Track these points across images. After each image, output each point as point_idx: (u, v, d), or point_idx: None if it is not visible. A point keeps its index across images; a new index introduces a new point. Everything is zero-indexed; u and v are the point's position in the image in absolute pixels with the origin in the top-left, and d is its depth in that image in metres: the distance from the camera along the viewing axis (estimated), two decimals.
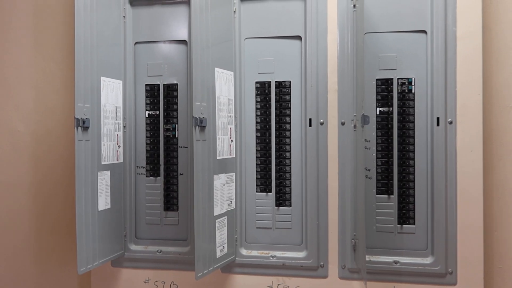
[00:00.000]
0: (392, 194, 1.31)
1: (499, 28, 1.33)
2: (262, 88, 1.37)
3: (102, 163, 1.30)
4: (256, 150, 1.38)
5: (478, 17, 1.24)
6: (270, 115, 1.37)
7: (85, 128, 1.22)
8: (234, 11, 1.36)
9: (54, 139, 1.47)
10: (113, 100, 1.36)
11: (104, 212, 1.31)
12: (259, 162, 1.38)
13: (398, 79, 1.30)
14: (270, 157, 1.37)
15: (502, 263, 1.35)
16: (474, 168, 1.25)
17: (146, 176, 1.43)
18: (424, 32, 1.28)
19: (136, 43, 1.43)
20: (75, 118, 1.19)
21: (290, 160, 1.36)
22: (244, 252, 1.38)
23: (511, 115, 1.33)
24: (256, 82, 1.38)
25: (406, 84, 1.30)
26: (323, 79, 1.31)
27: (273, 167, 1.37)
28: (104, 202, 1.31)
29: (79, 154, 1.20)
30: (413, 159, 1.29)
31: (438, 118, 1.26)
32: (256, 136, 1.38)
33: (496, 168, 1.34)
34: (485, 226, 1.28)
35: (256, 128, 1.38)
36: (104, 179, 1.31)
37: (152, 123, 1.43)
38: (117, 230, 1.38)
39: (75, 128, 1.19)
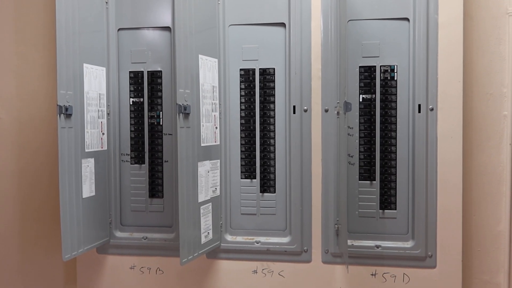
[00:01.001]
0: (374, 180, 1.33)
1: (480, 16, 1.35)
2: (247, 75, 1.38)
3: (86, 150, 1.30)
4: (241, 137, 1.38)
5: (459, 5, 1.25)
6: (255, 102, 1.37)
7: (68, 115, 1.22)
8: None
9: (37, 126, 1.46)
10: (96, 87, 1.35)
11: (89, 199, 1.31)
12: (243, 149, 1.39)
13: (380, 66, 1.31)
14: (255, 144, 1.38)
15: (480, 247, 1.39)
16: (454, 154, 1.27)
17: (131, 164, 1.43)
18: (407, 19, 1.29)
19: (119, 29, 1.41)
20: (57, 105, 1.18)
21: (275, 147, 1.37)
22: (229, 238, 1.39)
23: (490, 102, 1.36)
24: (241, 69, 1.38)
25: (389, 72, 1.31)
26: (306, 66, 1.32)
27: (257, 154, 1.38)
28: (88, 189, 1.31)
29: (62, 141, 1.20)
30: (395, 145, 1.32)
31: (419, 105, 1.28)
32: (241, 123, 1.38)
33: (475, 154, 1.37)
34: (464, 211, 1.31)
35: (240, 115, 1.38)
36: (88, 167, 1.30)
37: (136, 111, 1.42)
38: (102, 217, 1.38)
39: (58, 115, 1.18)
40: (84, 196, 1.29)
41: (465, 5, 1.27)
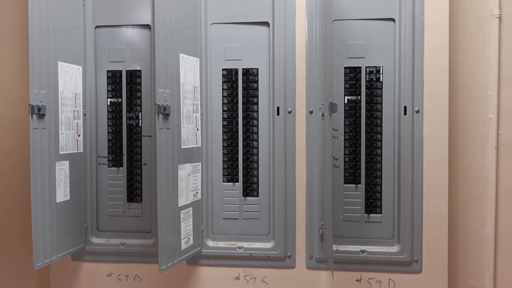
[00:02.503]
0: (360, 183, 1.30)
1: (465, 18, 1.34)
2: (229, 76, 1.33)
3: (60, 152, 1.24)
4: (223, 139, 1.34)
5: (445, 6, 1.24)
6: (237, 103, 1.33)
7: (41, 116, 1.16)
8: None
9: (8, 126, 1.38)
10: (72, 87, 1.29)
11: (63, 204, 1.25)
12: (226, 152, 1.34)
13: (366, 67, 1.29)
14: (237, 146, 1.34)
15: (465, 251, 1.37)
16: (440, 157, 1.25)
17: (108, 166, 1.37)
18: (393, 20, 1.27)
19: (96, 27, 1.36)
20: (29, 104, 1.12)
21: (258, 149, 1.33)
22: (210, 243, 1.35)
23: (475, 105, 1.34)
24: (223, 69, 1.34)
25: (374, 73, 1.29)
26: (291, 67, 1.28)
27: (240, 157, 1.34)
28: (62, 193, 1.25)
29: (34, 143, 1.14)
30: (381, 148, 1.29)
31: (405, 107, 1.26)
32: (223, 125, 1.34)
33: (461, 157, 1.35)
34: (450, 214, 1.29)
35: (222, 117, 1.34)
36: (62, 170, 1.24)
37: (114, 111, 1.37)
38: (77, 222, 1.32)
39: (30, 115, 1.13)
40: (58, 201, 1.22)
41: (450, 7, 1.25)
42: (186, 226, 1.26)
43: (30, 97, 1.13)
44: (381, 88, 1.28)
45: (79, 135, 1.32)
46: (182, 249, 1.24)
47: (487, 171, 1.34)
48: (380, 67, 1.28)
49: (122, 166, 1.37)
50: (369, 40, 1.29)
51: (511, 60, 1.31)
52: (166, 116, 1.17)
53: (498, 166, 1.33)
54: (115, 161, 1.37)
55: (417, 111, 1.25)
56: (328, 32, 1.20)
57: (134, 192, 1.37)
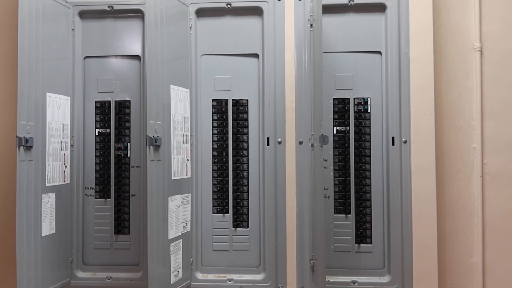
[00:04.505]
0: (350, 213, 1.31)
1: (448, 51, 1.38)
2: (219, 106, 1.34)
3: (47, 184, 1.21)
4: (213, 170, 1.34)
5: (429, 39, 1.28)
6: (227, 134, 1.33)
7: (28, 148, 1.14)
8: (190, 27, 1.33)
9: None
10: (60, 117, 1.27)
11: (48, 237, 1.21)
12: (215, 182, 1.34)
13: (354, 98, 1.31)
14: (227, 177, 1.33)
15: (454, 280, 1.38)
16: (428, 187, 1.27)
17: (95, 198, 1.35)
18: (379, 53, 1.30)
19: (85, 57, 1.35)
20: (17, 136, 1.10)
21: (248, 180, 1.33)
22: (200, 276, 1.32)
23: (460, 135, 1.38)
24: (213, 100, 1.34)
25: (362, 104, 1.31)
26: (280, 98, 1.30)
27: (230, 187, 1.33)
28: (48, 226, 1.21)
29: (20, 175, 1.11)
30: (370, 178, 1.30)
31: (393, 138, 1.28)
32: (213, 155, 1.34)
33: (447, 186, 1.37)
34: (438, 243, 1.30)
35: (212, 147, 1.34)
36: (48, 202, 1.22)
37: (102, 142, 1.35)
38: (62, 256, 1.28)
39: (17, 147, 1.10)
40: (43, 234, 1.19)
41: (434, 40, 1.29)
42: (176, 259, 1.23)
43: (18, 129, 1.11)
44: (369, 119, 1.31)
45: (66, 166, 1.30)
46: (171, 282, 1.21)
47: (473, 200, 1.36)
48: (367, 98, 1.31)
49: (109, 198, 1.35)
50: (356, 72, 1.31)
51: (493, 92, 1.36)
52: (157, 147, 1.17)
53: (484, 195, 1.36)
54: (102, 192, 1.35)
55: (405, 142, 1.27)
56: (317, 63, 1.22)
57: (121, 224, 1.34)
